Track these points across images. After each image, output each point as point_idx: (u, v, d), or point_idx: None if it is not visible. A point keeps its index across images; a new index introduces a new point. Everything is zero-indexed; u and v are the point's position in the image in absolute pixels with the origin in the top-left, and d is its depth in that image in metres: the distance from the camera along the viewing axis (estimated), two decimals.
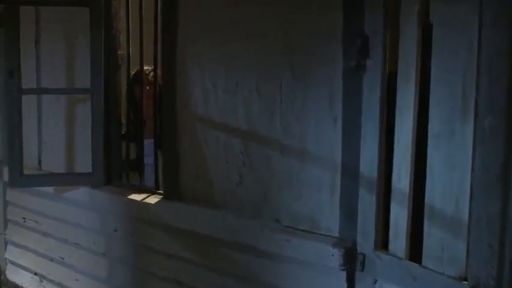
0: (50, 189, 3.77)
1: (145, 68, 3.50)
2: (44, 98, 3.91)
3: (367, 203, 2.33)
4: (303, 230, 2.59)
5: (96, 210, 3.54)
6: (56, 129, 3.85)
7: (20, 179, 3.42)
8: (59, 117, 3.83)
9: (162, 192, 3.25)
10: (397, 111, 2.21)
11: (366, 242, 2.35)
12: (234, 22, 2.79)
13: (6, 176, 3.84)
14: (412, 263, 2.16)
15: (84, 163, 3.66)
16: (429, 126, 2.07)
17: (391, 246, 2.28)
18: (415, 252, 2.17)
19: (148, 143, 3.48)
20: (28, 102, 3.66)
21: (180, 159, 3.10)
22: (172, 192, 3.16)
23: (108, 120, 3.51)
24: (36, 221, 4.00)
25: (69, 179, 3.55)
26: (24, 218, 4.09)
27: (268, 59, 2.66)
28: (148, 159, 3.47)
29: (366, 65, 2.31)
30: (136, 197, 3.33)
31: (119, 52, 3.54)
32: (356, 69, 2.34)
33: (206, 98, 2.94)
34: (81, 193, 3.62)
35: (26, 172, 3.50)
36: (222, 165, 2.91)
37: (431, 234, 2.08)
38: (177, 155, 3.11)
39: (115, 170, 3.57)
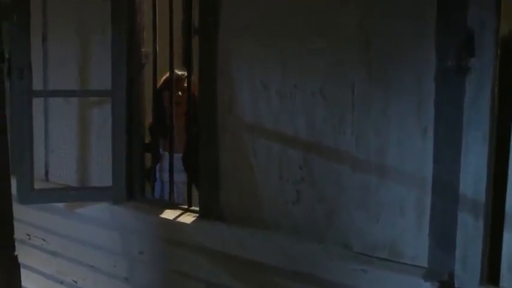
0: (59, 204, 3.32)
1: (177, 72, 3.09)
2: (51, 100, 3.47)
3: (470, 229, 1.96)
4: (381, 259, 2.20)
5: (117, 228, 3.11)
6: (66, 136, 3.40)
7: (31, 195, 2.98)
8: (69, 122, 3.38)
9: (197, 210, 2.84)
10: None
11: (468, 275, 1.98)
12: (292, 14, 2.39)
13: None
14: None
15: (99, 175, 3.24)
16: None
17: (503, 282, 1.90)
18: None
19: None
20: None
21: (221, 172, 2.70)
22: (210, 211, 2.75)
23: (130, 127, 3.08)
24: (43, 239, 3.56)
25: (87, 194, 3.11)
26: (28, 235, 3.64)
27: (338, 56, 2.27)
28: (178, 177, 3.08)
29: (468, 66, 1.93)
30: (166, 214, 2.91)
31: (142, 49, 3.11)
32: (455, 71, 1.96)
33: (256, 102, 2.54)
34: (97, 209, 3.18)
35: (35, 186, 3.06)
36: (275, 181, 2.51)
37: None
38: (217, 168, 2.70)
39: (137, 183, 3.14)
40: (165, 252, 2.90)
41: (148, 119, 3.27)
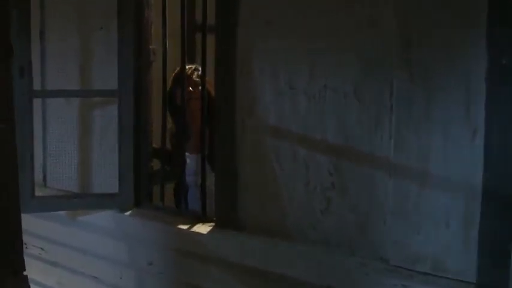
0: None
1: (187, 66, 2.90)
2: (50, 101, 3.25)
3: None
4: (423, 273, 2.03)
5: (123, 237, 2.91)
6: (66, 139, 3.18)
7: (32, 202, 2.76)
8: (70, 125, 3.17)
9: (213, 219, 2.65)
10: None
11: None
12: (321, 8, 2.22)
13: None
14: None
15: (102, 181, 3.03)
16: None
17: None
18: None
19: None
20: None
21: (239, 179, 2.51)
22: (227, 220, 2.56)
23: (137, 129, 2.88)
24: (41, 248, 3.34)
25: (91, 201, 2.90)
26: (25, 244, 3.39)
27: (374, 54, 2.10)
28: (190, 179, 2.88)
29: None
30: (178, 223, 2.71)
31: (151, 46, 2.91)
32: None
33: (280, 104, 2.35)
34: (102, 217, 2.98)
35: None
36: (301, 188, 2.33)
37: None
38: (235, 174, 2.52)
39: (144, 189, 2.94)
40: (177, 263, 2.71)
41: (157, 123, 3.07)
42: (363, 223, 2.19)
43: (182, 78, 2.83)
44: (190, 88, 3.00)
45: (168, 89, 2.95)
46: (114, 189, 2.92)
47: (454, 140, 1.94)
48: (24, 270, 1.84)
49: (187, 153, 3.04)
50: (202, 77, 2.75)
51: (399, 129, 2.05)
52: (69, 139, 3.14)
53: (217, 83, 2.54)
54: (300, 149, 2.32)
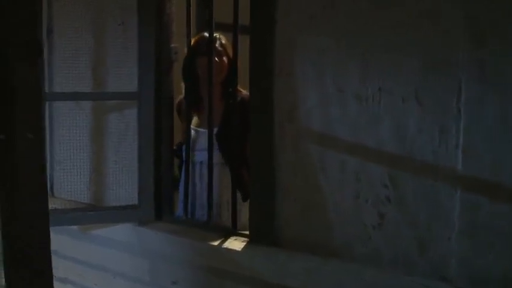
0: None
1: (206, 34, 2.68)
2: (59, 105, 2.99)
3: None
4: None
5: (144, 254, 2.67)
6: (77, 146, 2.93)
7: None
8: (81, 130, 2.91)
9: (246, 233, 2.42)
10: None
11: None
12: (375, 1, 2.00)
13: None
14: None
15: (117, 192, 2.79)
16: None
17: None
18: None
19: None
20: None
21: (278, 190, 2.29)
22: (263, 235, 2.34)
23: (158, 135, 2.64)
24: None
25: (109, 214, 2.65)
26: None
27: (439, 53, 1.89)
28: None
29: None
30: (206, 237, 2.48)
31: (172, 45, 2.68)
32: None
33: (326, 108, 2.14)
34: (118, 230, 2.74)
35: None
36: (349, 201, 2.12)
37: None
38: (273, 185, 2.29)
39: (166, 200, 2.71)
40: (206, 283, 2.47)
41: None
42: (423, 240, 1.97)
43: (210, 46, 2.57)
44: (216, 58, 2.71)
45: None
46: (132, 200, 2.69)
47: None
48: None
49: (200, 129, 2.78)
50: (236, 40, 2.51)
51: (468, 137, 1.85)
52: (81, 145, 2.88)
53: (252, 84, 2.31)
54: (350, 158, 2.10)
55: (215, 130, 2.64)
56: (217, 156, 2.64)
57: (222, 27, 2.62)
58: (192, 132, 2.75)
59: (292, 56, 2.20)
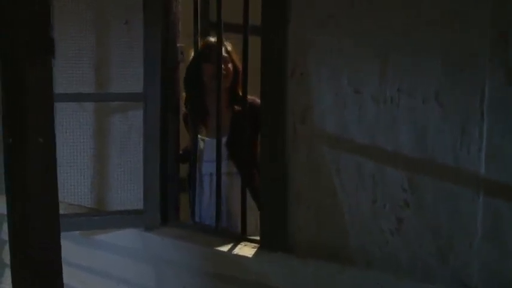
0: None
1: (211, 39, 2.61)
2: (61, 106, 2.90)
3: None
4: None
5: (149, 260, 2.59)
6: (79, 148, 2.85)
7: None
8: (82, 132, 2.83)
9: (256, 239, 2.35)
10: None
11: None
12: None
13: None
14: None
15: (120, 195, 2.71)
16: None
17: None
18: None
19: None
20: None
21: (290, 194, 2.22)
22: (275, 240, 2.27)
23: (164, 137, 2.57)
24: None
25: (114, 219, 2.57)
26: None
27: (462, 53, 1.82)
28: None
29: None
30: (215, 243, 2.41)
31: (178, 44, 2.60)
32: None
33: (342, 109, 2.07)
34: (123, 235, 2.66)
35: None
36: (366, 206, 2.05)
37: None
38: (285, 189, 2.22)
39: (172, 205, 2.63)
40: None
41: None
42: (444, 246, 1.91)
43: (218, 53, 2.49)
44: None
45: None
46: (137, 204, 2.61)
47: None
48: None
49: (206, 138, 2.71)
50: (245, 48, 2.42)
51: (492, 140, 1.78)
52: (84, 148, 2.81)
53: (264, 85, 2.24)
54: (366, 162, 2.03)
55: (224, 138, 2.57)
56: (226, 166, 2.57)
57: (230, 28, 2.55)
58: (200, 142, 2.69)
59: (306, 56, 2.13)
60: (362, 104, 2.02)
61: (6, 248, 3.18)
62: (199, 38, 2.58)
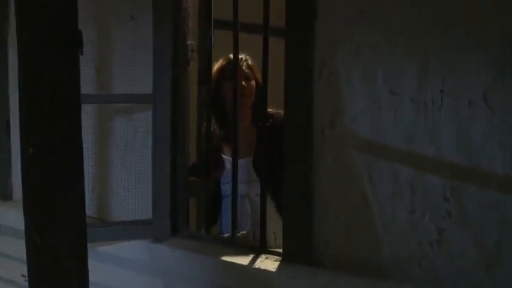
0: None
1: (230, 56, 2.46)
2: None
3: None
4: None
5: (159, 273, 2.41)
6: None
7: None
8: (84, 137, 2.64)
9: (278, 251, 2.19)
10: None
11: None
12: None
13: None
14: None
15: (124, 205, 2.54)
16: None
17: None
18: None
19: None
20: None
21: (316, 203, 2.07)
22: (299, 254, 2.11)
23: (174, 141, 2.40)
24: None
25: (120, 230, 2.39)
26: (24, 276, 2.85)
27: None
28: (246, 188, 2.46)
29: None
30: (231, 255, 2.25)
31: (188, 42, 2.44)
32: None
33: (375, 112, 1.92)
34: (129, 247, 2.48)
35: None
36: (403, 215, 1.91)
37: None
38: (311, 197, 2.07)
39: (182, 213, 2.46)
40: None
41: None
42: (490, 259, 1.78)
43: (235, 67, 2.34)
44: (243, 82, 2.52)
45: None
46: (144, 213, 2.44)
47: None
48: None
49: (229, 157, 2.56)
50: (265, 63, 2.26)
51: None
52: (85, 152, 2.61)
53: (288, 87, 2.09)
54: (404, 168, 1.89)
55: (251, 158, 2.48)
56: (255, 187, 2.47)
57: (247, 28, 2.38)
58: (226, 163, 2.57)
59: (336, 55, 1.98)
60: (399, 107, 1.88)
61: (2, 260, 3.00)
62: (212, 36, 2.40)
